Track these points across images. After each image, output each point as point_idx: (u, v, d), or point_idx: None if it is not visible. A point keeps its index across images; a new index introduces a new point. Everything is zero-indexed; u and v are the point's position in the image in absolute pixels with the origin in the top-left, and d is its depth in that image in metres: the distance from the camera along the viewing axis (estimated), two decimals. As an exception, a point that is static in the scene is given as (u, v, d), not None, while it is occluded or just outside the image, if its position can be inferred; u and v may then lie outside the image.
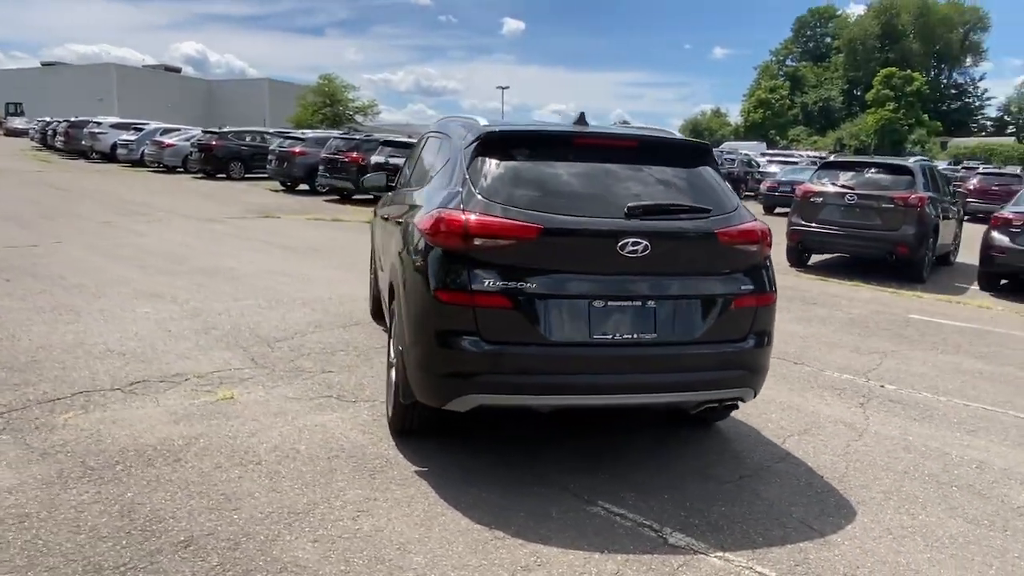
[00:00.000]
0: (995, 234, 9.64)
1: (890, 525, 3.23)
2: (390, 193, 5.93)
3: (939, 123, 68.72)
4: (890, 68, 68.38)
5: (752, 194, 24.36)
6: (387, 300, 4.23)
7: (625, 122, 5.11)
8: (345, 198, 18.90)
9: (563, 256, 3.22)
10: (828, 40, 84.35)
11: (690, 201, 3.46)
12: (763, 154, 39.52)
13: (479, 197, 3.29)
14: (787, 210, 12.66)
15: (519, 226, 3.16)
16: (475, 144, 3.50)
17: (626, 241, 3.20)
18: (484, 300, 3.16)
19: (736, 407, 3.98)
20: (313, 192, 20.08)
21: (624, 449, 3.92)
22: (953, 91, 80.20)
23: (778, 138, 70.91)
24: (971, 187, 21.88)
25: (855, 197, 10.26)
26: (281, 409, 4.23)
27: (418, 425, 3.76)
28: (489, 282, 3.16)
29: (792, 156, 37.71)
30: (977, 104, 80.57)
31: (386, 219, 5.05)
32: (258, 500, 3.15)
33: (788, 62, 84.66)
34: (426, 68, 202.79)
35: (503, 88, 59.66)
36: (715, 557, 2.88)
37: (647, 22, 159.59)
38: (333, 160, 18.18)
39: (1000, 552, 3.06)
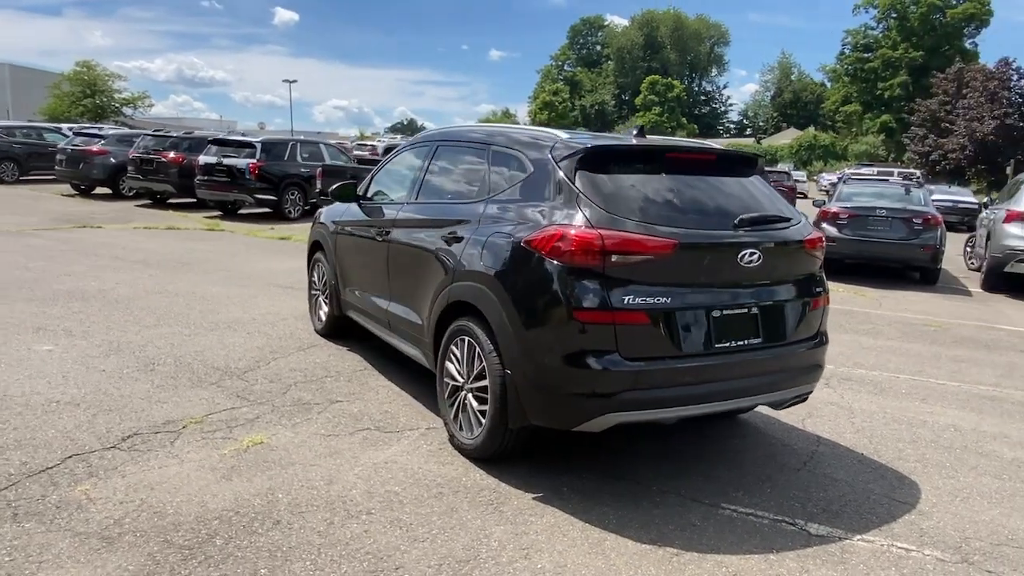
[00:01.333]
0: (825, 226, 11.20)
1: (950, 489, 3.74)
2: (346, 205, 5.55)
3: (695, 126, 77.52)
4: (654, 76, 75.80)
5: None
6: (434, 315, 3.97)
7: (641, 129, 5.17)
8: (159, 202, 17.02)
9: (691, 269, 3.30)
10: (599, 48, 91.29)
11: (775, 211, 3.71)
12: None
13: (604, 213, 3.25)
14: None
15: (656, 242, 3.19)
16: (576, 159, 3.45)
17: (744, 252, 3.37)
18: (624, 317, 3.15)
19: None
20: (117, 196, 17.77)
21: (691, 450, 4.08)
22: (703, 97, 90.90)
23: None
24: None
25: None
26: (330, 449, 3.82)
27: (513, 449, 3.62)
28: (628, 298, 3.15)
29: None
30: (722, 109, 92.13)
31: (384, 234, 4.73)
32: (411, 553, 2.86)
33: (566, 67, 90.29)
34: (189, 57, 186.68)
35: (290, 81, 56.60)
36: (860, 540, 3.15)
37: (426, 22, 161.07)
38: (147, 160, 16.24)
39: (1029, 499, 3.69)
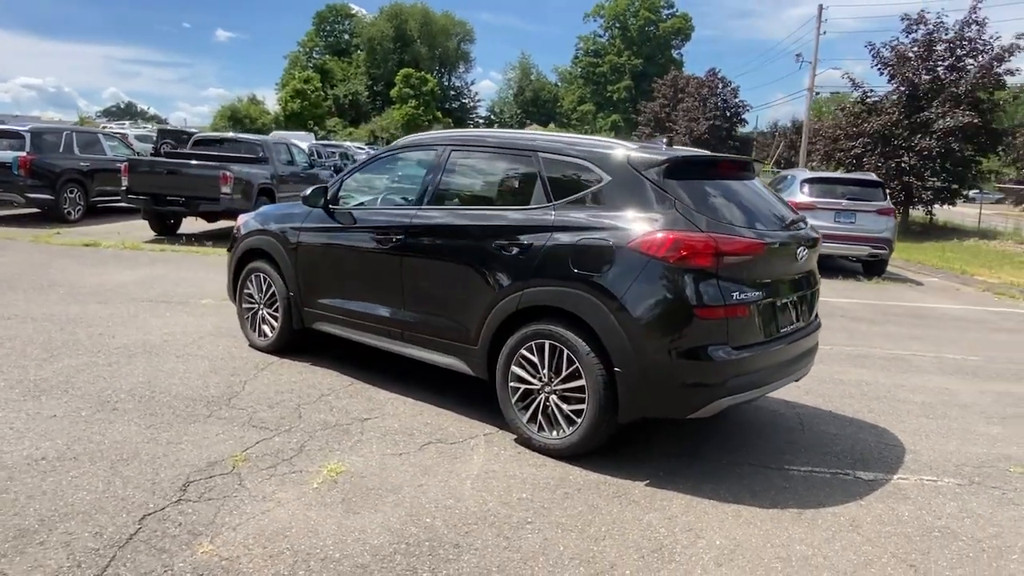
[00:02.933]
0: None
1: (910, 430, 4.70)
2: (300, 210, 5.24)
3: (450, 120, 79.62)
4: (408, 69, 76.26)
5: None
6: (492, 321, 4.00)
7: (669, 138, 5.26)
8: None
9: (769, 266, 3.79)
10: (347, 37, 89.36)
11: (793, 213, 4.33)
12: (326, 145, 40.59)
13: (704, 218, 3.59)
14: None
15: (754, 243, 3.63)
16: (664, 167, 3.74)
17: (799, 249, 3.95)
18: (732, 311, 3.55)
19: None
20: None
21: (711, 426, 4.59)
22: (453, 92, 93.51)
23: (316, 129, 72.90)
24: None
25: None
26: (417, 467, 3.70)
27: (601, 444, 3.83)
28: (735, 294, 3.55)
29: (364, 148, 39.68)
30: (471, 104, 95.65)
31: (391, 241, 4.56)
32: (606, 552, 2.98)
33: (315, 55, 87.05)
34: None
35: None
36: (898, 479, 3.91)
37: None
38: None
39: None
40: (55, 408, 4.21)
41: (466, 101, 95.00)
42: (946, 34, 25.09)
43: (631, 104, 69.23)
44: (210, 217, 12.48)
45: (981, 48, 24.64)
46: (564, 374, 3.80)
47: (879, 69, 26.52)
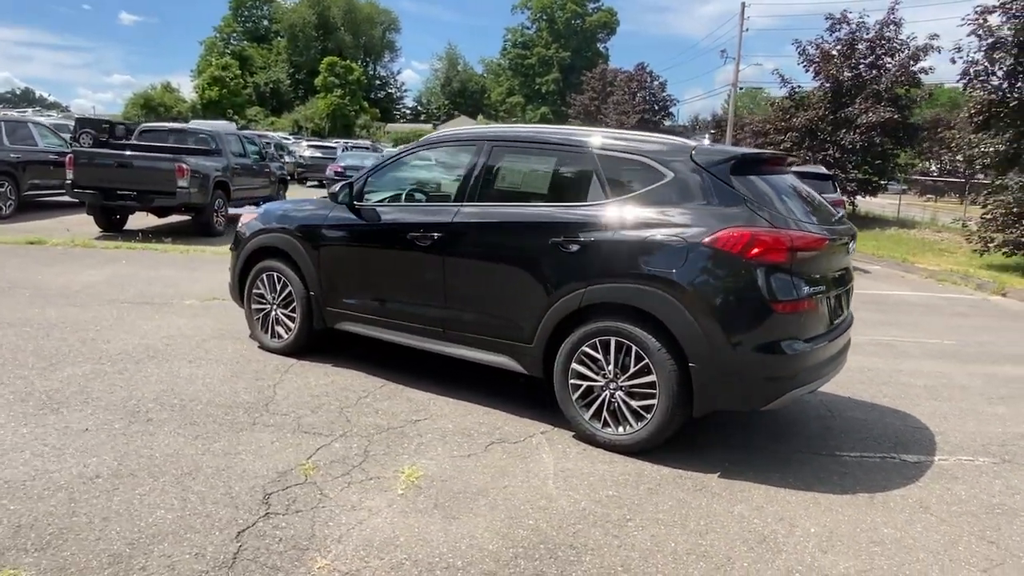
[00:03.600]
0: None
1: (928, 413, 4.96)
2: (318, 209, 5.10)
3: (377, 110, 78.23)
4: (332, 57, 74.37)
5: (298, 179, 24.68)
6: (550, 319, 4.00)
7: (713, 133, 5.26)
8: None
9: (828, 260, 3.91)
10: (267, 23, 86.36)
11: (830, 205, 4.48)
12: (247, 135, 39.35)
13: (773, 214, 3.68)
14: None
15: (820, 239, 3.74)
16: (731, 164, 3.81)
17: (849, 244, 4.10)
18: (803, 305, 3.65)
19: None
20: None
21: (747, 418, 4.71)
22: (379, 82, 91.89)
23: (236, 118, 70.27)
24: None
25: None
26: (493, 469, 3.66)
27: (670, 436, 3.89)
28: (805, 289, 3.66)
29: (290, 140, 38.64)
30: (398, 95, 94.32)
31: (432, 239, 4.45)
32: (715, 544, 3.03)
33: (233, 40, 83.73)
34: None
35: None
36: (939, 459, 4.13)
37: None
38: None
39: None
40: (82, 421, 3.94)
41: (392, 91, 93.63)
42: (867, 34, 26.42)
43: (560, 96, 69.87)
44: (161, 212, 11.88)
45: (898, 47, 26.09)
46: (632, 370, 3.82)
47: (804, 66, 27.73)
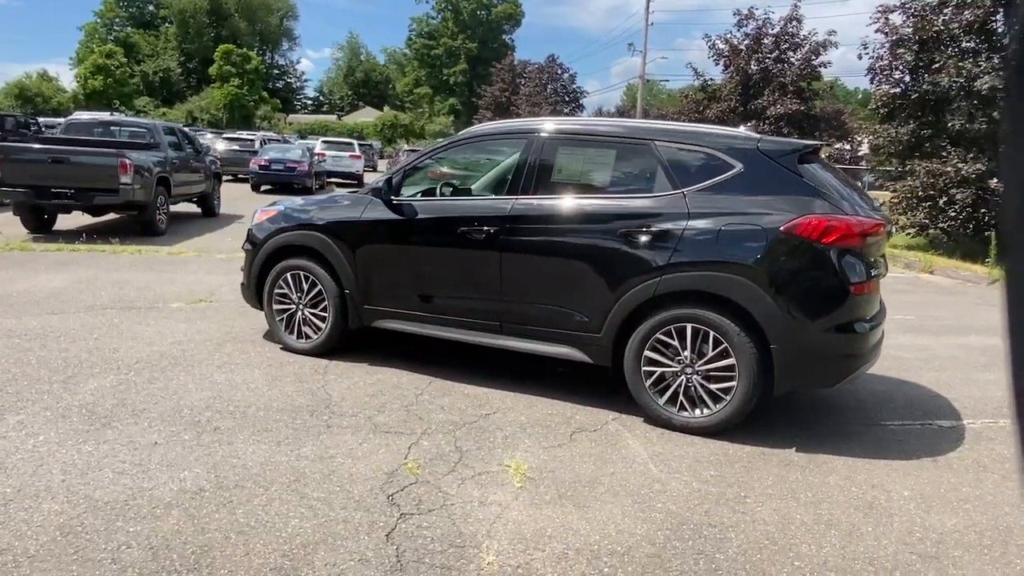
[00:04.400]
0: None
1: (934, 382, 5.39)
2: (352, 204, 5.02)
3: (277, 101, 75.45)
4: (227, 45, 71.08)
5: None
6: (622, 308, 4.10)
7: (751, 125, 5.21)
8: None
9: (879, 245, 4.19)
10: (153, 8, 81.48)
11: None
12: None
13: (840, 201, 3.91)
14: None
15: (879, 223, 3.99)
16: (797, 155, 4.01)
17: (891, 227, 4.40)
18: (870, 287, 3.92)
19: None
20: None
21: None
22: (277, 71, 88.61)
23: (123, 109, 65.98)
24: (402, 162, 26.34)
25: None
26: (592, 455, 3.73)
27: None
28: (870, 271, 3.92)
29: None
30: (298, 84, 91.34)
31: (485, 232, 4.43)
32: (834, 513, 3.23)
33: (116, 26, 78.40)
34: None
35: None
36: (968, 424, 4.52)
37: None
38: None
39: None
40: (144, 434, 3.71)
41: (292, 81, 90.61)
42: (772, 29, 27.89)
43: (468, 88, 69.74)
44: (97, 211, 11.09)
45: (801, 43, 27.70)
46: (710, 355, 3.98)
47: (714, 60, 28.97)
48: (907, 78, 18.46)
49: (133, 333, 5.58)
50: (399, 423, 4.04)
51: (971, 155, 15.59)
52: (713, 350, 3.97)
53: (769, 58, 27.91)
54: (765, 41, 28.01)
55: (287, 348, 5.31)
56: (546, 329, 4.43)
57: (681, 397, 4.09)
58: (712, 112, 27.89)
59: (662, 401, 4.13)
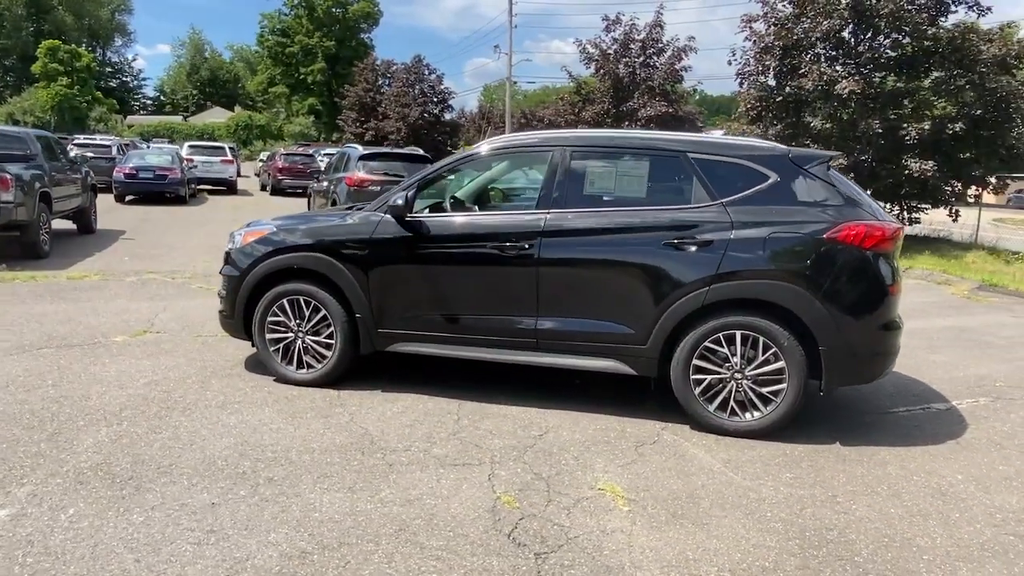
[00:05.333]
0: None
1: (912, 366, 5.86)
2: (344, 222, 4.80)
3: (114, 101, 69.31)
4: (52, 41, 64.42)
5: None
6: (669, 319, 4.15)
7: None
8: None
9: (897, 248, 4.49)
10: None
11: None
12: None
13: (870, 208, 4.16)
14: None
15: (898, 228, 4.27)
16: (826, 164, 4.23)
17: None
18: (899, 287, 4.20)
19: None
20: None
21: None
22: (111, 70, 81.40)
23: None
24: (280, 166, 25.02)
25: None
26: (672, 471, 3.73)
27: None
28: (898, 273, 4.20)
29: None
30: (136, 83, 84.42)
31: (518, 248, 4.32)
32: (919, 506, 3.44)
33: (-91, 17, 68.55)
34: None
35: None
36: (958, 404, 4.96)
37: None
38: None
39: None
40: (191, 494, 3.29)
41: (128, 80, 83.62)
42: (639, 34, 29.21)
43: (327, 87, 67.53)
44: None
45: (664, 48, 29.22)
46: (760, 359, 4.10)
47: (585, 63, 29.93)
48: (773, 83, 20.07)
49: (93, 375, 4.92)
50: (458, 454, 3.85)
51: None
52: (763, 355, 4.09)
53: (636, 62, 29.19)
54: (632, 46, 29.26)
55: (283, 380, 4.89)
56: (587, 343, 4.38)
57: (732, 403, 4.18)
58: (588, 114, 28.82)
59: (712, 408, 4.21)
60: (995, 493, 3.59)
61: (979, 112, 17.44)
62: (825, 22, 18.64)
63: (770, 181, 4.21)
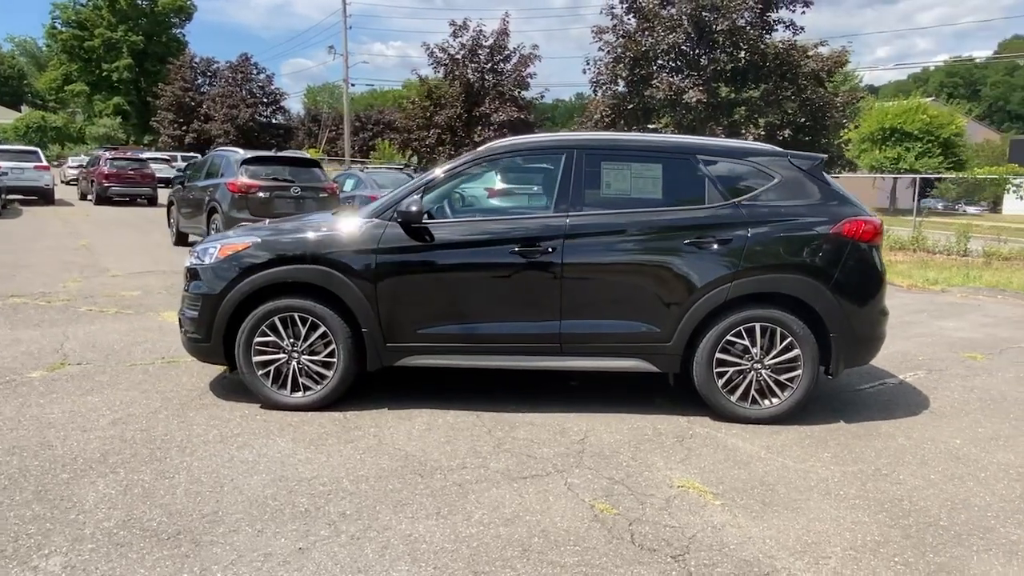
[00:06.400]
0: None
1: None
2: (349, 231, 4.55)
3: None
4: None
5: None
6: (693, 316, 4.30)
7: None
8: None
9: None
10: None
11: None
12: None
13: (860, 204, 4.55)
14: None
15: (880, 222, 4.71)
16: (822, 165, 4.56)
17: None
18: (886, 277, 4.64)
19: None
20: None
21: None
22: None
23: None
24: (106, 172, 22.51)
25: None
26: (731, 461, 3.85)
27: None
28: (883, 264, 4.64)
29: None
30: None
31: (540, 252, 4.27)
32: (954, 471, 3.82)
33: None
34: None
35: None
36: (906, 377, 5.55)
37: None
38: None
39: None
40: (264, 541, 2.92)
41: None
42: (486, 41, 29.62)
43: (135, 85, 61.81)
44: None
45: (511, 54, 29.87)
46: (778, 348, 4.35)
47: (434, 67, 29.88)
48: (625, 90, 21.25)
49: (37, 419, 4.18)
50: (519, 466, 3.72)
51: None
52: (780, 344, 4.34)
53: (485, 67, 29.57)
54: (480, 52, 29.57)
55: (274, 406, 4.44)
56: (612, 344, 4.41)
57: (753, 392, 4.40)
58: (440, 118, 28.77)
59: (735, 398, 4.40)
60: (993, 452, 4.08)
61: (802, 120, 19.75)
62: (669, 36, 20.13)
63: (775, 181, 4.48)
